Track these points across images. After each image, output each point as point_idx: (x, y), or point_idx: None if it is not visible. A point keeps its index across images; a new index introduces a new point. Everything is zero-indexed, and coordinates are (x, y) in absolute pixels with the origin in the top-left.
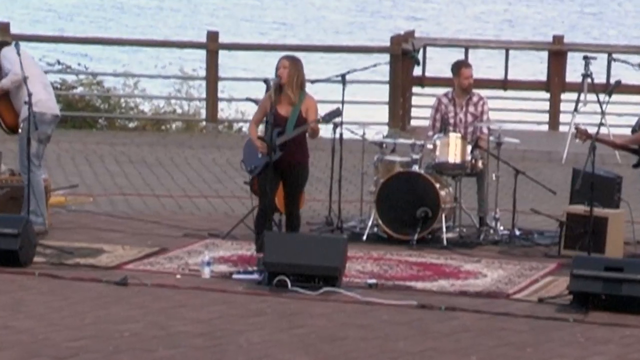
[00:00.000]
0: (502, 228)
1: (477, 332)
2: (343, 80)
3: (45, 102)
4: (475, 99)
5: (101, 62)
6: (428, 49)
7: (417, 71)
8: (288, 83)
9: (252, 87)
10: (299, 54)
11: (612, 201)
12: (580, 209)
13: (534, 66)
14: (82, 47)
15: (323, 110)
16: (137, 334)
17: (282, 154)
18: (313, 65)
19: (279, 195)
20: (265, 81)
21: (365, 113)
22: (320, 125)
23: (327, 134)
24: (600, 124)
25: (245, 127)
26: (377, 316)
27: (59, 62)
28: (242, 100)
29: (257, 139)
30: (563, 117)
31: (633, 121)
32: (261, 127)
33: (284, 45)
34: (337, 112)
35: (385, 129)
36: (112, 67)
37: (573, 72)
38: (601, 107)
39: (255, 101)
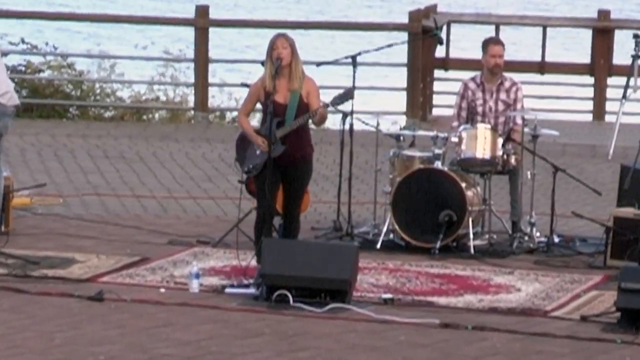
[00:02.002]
0: (538, 234)
1: (510, 356)
2: (354, 62)
3: (13, 93)
4: (507, 84)
5: (73, 42)
6: (453, 26)
7: (439, 52)
8: (293, 65)
9: (247, 70)
10: (303, 32)
11: None
12: (629, 212)
13: (576, 46)
14: (51, 23)
15: (325, 97)
16: (115, 357)
17: (284, 148)
18: (319, 46)
19: (279, 196)
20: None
21: (379, 101)
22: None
23: (336, 124)
24: None
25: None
26: (393, 337)
27: (23, 41)
28: (236, 86)
29: (255, 134)
30: (609, 106)
31: None
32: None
33: (286, 22)
34: (349, 94)
35: (402, 119)
36: (85, 47)
37: (621, 53)
38: None
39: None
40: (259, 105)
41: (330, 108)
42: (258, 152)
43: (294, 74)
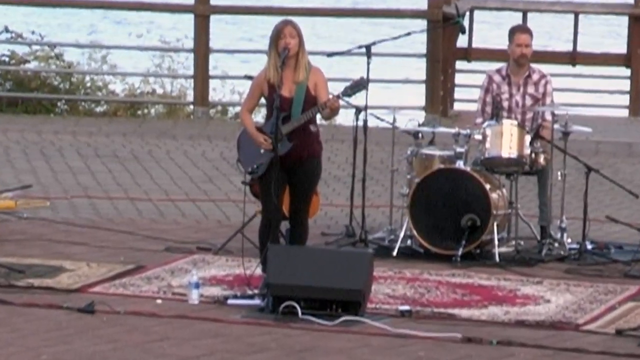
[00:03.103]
0: (569, 240)
1: None
2: (368, 52)
3: None
4: (536, 76)
5: (61, 30)
6: (476, 13)
7: (461, 41)
8: (300, 56)
9: (251, 61)
10: (312, 20)
11: None
12: None
13: (611, 35)
14: (37, 10)
15: (336, 91)
16: None
17: (291, 146)
18: (330, 35)
19: (286, 199)
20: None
21: (396, 94)
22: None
23: (348, 120)
24: None
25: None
26: (411, 352)
27: (7, 30)
28: (239, 79)
29: (258, 132)
30: None
31: None
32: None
33: (295, 9)
34: (362, 84)
35: (421, 115)
36: (75, 36)
37: None
38: None
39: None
40: (263, 100)
41: (341, 102)
42: (262, 150)
43: (300, 64)
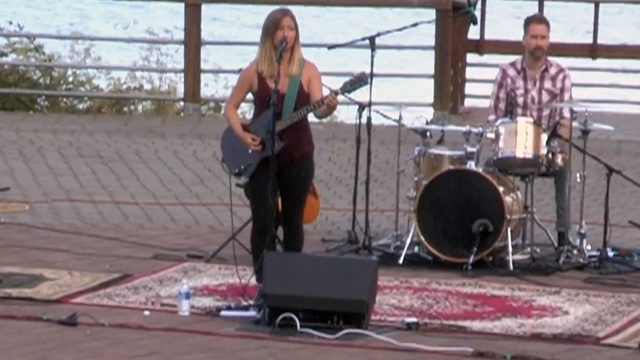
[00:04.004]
0: (589, 247)
1: None
2: (372, 45)
3: None
4: (553, 70)
5: (40, 21)
6: (489, 1)
7: (473, 32)
8: (295, 48)
9: (247, 54)
10: (312, 9)
11: None
12: None
13: (634, 26)
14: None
15: (336, 85)
16: None
17: (284, 144)
18: (331, 25)
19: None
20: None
21: (402, 90)
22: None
23: (351, 118)
24: None
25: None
26: None
27: None
28: (233, 73)
29: (244, 132)
30: None
31: None
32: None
33: None
34: (363, 79)
35: (429, 112)
36: (56, 27)
37: None
38: None
39: None
40: (249, 96)
41: (342, 98)
42: (250, 150)
43: (295, 58)
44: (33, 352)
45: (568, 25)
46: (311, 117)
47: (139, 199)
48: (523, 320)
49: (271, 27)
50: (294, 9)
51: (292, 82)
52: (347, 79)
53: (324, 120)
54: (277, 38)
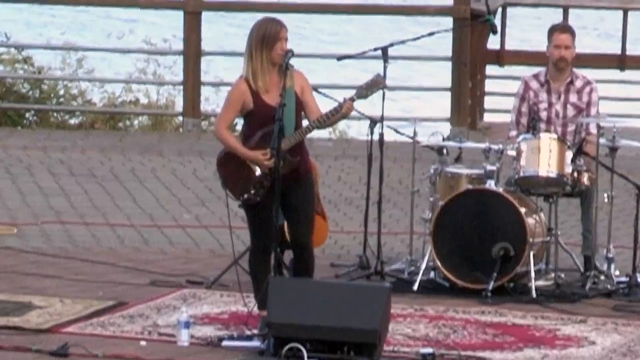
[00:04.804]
0: (617, 273)
1: None
2: (384, 55)
3: None
4: (579, 83)
5: (30, 30)
6: (509, 9)
7: (492, 42)
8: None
9: None
10: (320, 18)
11: None
12: None
13: None
14: (2, 6)
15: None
16: None
17: (297, 161)
18: (340, 35)
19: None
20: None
21: (417, 104)
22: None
23: (362, 134)
24: None
25: (239, 123)
26: None
27: None
28: None
29: (250, 150)
30: None
31: None
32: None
33: (300, 5)
34: (379, 82)
35: (446, 127)
36: (46, 36)
37: None
38: None
39: None
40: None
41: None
42: (258, 172)
43: (289, 69)
44: None
45: (595, 33)
46: (316, 133)
47: (134, 221)
48: (547, 351)
49: (270, 40)
50: (306, 17)
51: (288, 94)
52: (361, 83)
53: (333, 136)
54: (277, 51)
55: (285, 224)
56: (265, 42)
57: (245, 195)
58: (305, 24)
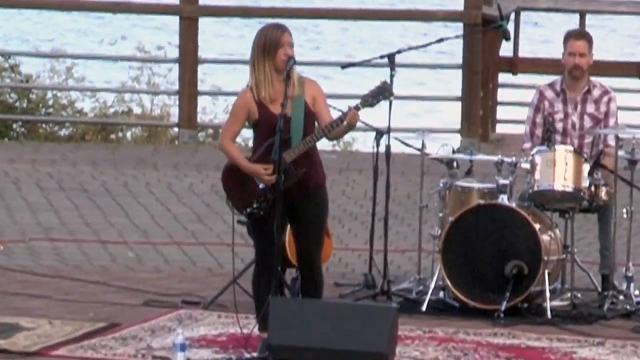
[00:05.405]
0: (637, 292)
1: None
2: (391, 63)
3: None
4: (597, 92)
5: (16, 37)
6: (523, 14)
7: (505, 49)
8: (292, 68)
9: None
10: (324, 23)
11: None
12: None
13: None
14: None
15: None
16: None
17: (301, 174)
18: (345, 42)
19: (290, 242)
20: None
21: (425, 114)
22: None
23: (367, 146)
24: None
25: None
26: None
27: None
28: (233, 95)
29: (250, 163)
30: None
31: None
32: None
33: (302, 10)
34: (386, 90)
35: (456, 139)
36: (34, 43)
37: None
38: None
39: None
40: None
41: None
42: (261, 185)
43: (294, 76)
44: None
45: (614, 40)
46: (319, 144)
47: (128, 238)
48: None
49: (271, 47)
50: (313, 22)
51: (296, 103)
52: (366, 91)
53: (338, 148)
54: (280, 57)
55: (287, 241)
56: (267, 49)
57: (248, 209)
58: (316, 29)
